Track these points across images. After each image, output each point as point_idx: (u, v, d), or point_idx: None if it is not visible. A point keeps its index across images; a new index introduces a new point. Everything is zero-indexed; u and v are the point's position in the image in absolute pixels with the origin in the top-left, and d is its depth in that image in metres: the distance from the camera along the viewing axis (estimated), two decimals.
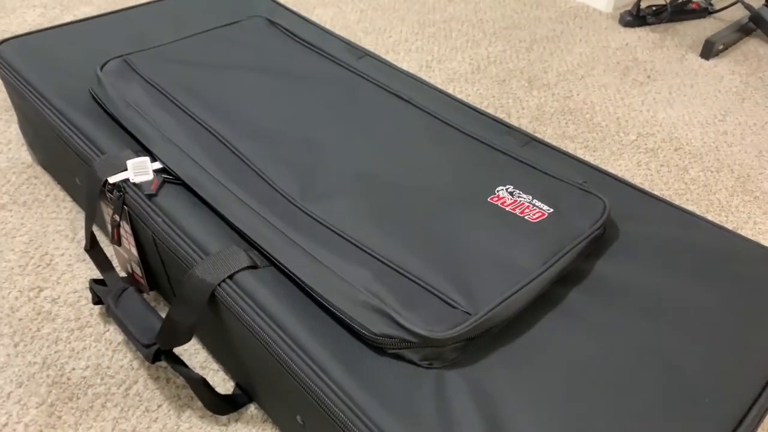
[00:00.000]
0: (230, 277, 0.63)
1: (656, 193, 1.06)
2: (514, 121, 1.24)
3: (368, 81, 0.91)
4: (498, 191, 0.72)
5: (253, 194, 0.69)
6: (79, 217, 0.97)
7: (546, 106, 1.28)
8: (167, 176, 0.74)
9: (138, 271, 0.81)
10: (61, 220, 0.97)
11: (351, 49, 1.01)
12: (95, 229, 0.88)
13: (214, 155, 0.75)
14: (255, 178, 0.72)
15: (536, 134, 1.21)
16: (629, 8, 1.58)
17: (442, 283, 0.59)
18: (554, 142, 1.18)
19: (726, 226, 1.02)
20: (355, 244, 0.63)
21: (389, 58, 1.41)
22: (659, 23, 1.58)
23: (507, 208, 0.69)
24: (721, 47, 1.46)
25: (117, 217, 0.75)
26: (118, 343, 0.80)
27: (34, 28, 1.40)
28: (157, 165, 0.75)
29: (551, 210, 0.69)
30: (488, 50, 1.46)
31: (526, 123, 1.23)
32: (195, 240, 0.67)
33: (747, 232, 1.01)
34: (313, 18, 1.49)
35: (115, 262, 0.85)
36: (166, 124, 0.79)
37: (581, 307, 0.63)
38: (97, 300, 0.81)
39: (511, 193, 0.72)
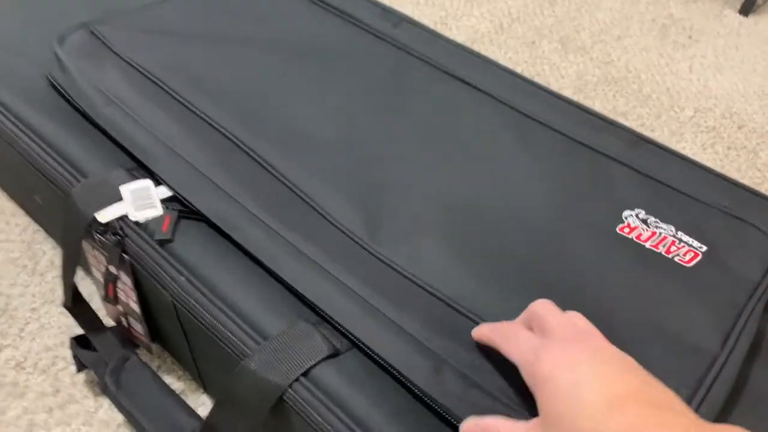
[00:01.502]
0: (305, 373, 0.44)
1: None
2: None
3: (417, 58, 0.71)
4: (627, 218, 0.55)
5: (310, 238, 0.49)
6: (39, 238, 0.74)
7: (587, 74, 1.11)
8: (182, 208, 0.53)
9: (138, 328, 0.59)
10: (13, 243, 0.73)
11: (384, 13, 0.79)
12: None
13: (243, 176, 0.53)
14: (306, 212, 0.52)
15: (584, 110, 1.03)
16: None
17: None
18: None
19: None
20: (461, 313, 0.45)
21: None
22: None
23: (647, 245, 0.52)
24: (760, 2, 1.31)
25: (114, 270, 0.53)
26: (118, 426, 0.60)
27: None
28: (165, 190, 0.54)
29: (705, 248, 0.52)
30: (508, 3, 1.25)
31: (570, 95, 1.05)
32: (241, 313, 0.47)
33: None
34: None
35: (102, 312, 0.63)
36: (166, 128, 0.57)
37: None
38: (81, 367, 0.60)
39: (645, 222, 0.55)
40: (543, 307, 0.40)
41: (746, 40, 1.23)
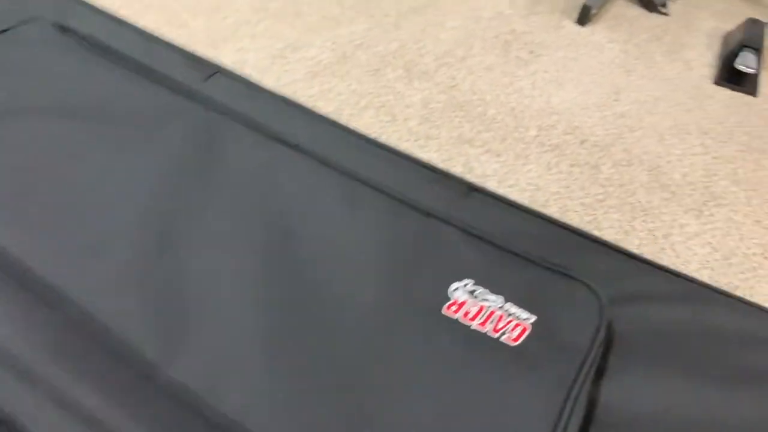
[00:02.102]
0: None
1: (573, 200, 0.93)
2: (401, 125, 1.02)
3: (230, 119, 0.64)
4: (454, 292, 0.51)
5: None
6: None
7: (432, 100, 1.08)
8: None
9: None
10: None
11: (193, 62, 0.71)
12: None
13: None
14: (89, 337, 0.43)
15: (430, 139, 1.01)
16: None
17: None
18: (452, 149, 0.99)
19: (655, 233, 0.92)
20: None
21: (229, 46, 1.10)
22: None
23: (473, 325, 0.49)
24: (594, 11, 1.35)
25: None
26: None
27: None
28: None
29: (534, 318, 0.50)
30: (350, 29, 1.21)
31: (416, 126, 1.02)
32: None
33: (675, 239, 0.91)
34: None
35: None
36: None
37: None
38: None
39: (473, 293, 0.51)
40: None
41: (584, 51, 1.27)
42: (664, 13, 1.43)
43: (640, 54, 1.28)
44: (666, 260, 0.84)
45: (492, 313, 0.49)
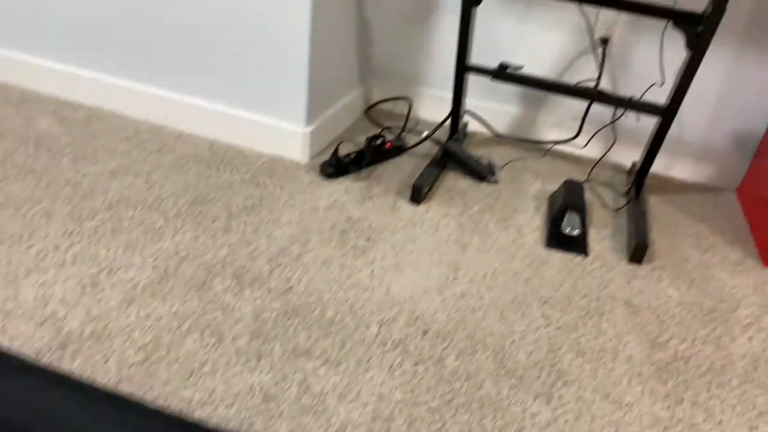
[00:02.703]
0: None
1: (419, 406, 0.86)
2: (229, 347, 0.94)
3: None
4: None
5: None
6: None
7: (265, 309, 1.02)
8: None
9: None
10: None
11: None
12: None
13: None
14: None
15: (261, 358, 0.92)
16: (328, 159, 1.43)
17: None
18: (286, 366, 0.91)
19: (506, 430, 0.86)
20: None
21: (28, 280, 1.00)
22: (361, 169, 1.47)
23: None
24: (427, 190, 1.39)
25: None
26: None
27: None
28: None
29: None
30: (175, 241, 1.14)
31: (246, 344, 0.94)
32: None
33: (528, 431, 0.86)
34: None
35: None
36: None
37: None
38: None
39: None
40: None
41: (420, 230, 1.28)
42: (495, 182, 1.50)
43: (474, 226, 1.31)
44: None
45: None
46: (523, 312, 1.09)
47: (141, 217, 1.20)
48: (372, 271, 1.14)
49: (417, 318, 1.04)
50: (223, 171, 1.39)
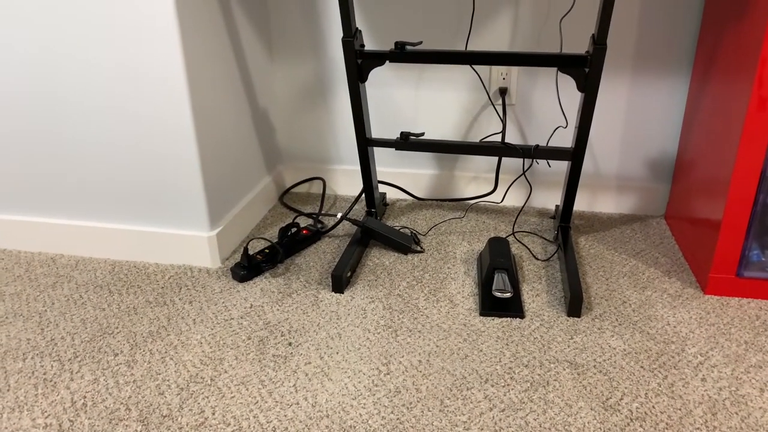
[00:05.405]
0: None
1: None
2: None
3: None
4: None
5: None
6: None
7: None
8: None
9: None
10: None
11: None
12: None
13: None
14: None
15: None
16: (239, 260, 1.34)
17: None
18: None
19: None
20: None
21: None
22: (277, 265, 1.38)
23: None
24: (349, 274, 1.31)
25: None
26: None
27: None
28: None
29: None
30: (71, 389, 1.02)
31: None
32: None
33: None
34: None
35: None
36: None
37: None
38: None
39: None
40: None
41: (346, 321, 1.19)
42: (420, 251, 1.44)
43: (404, 305, 1.23)
44: None
45: None
46: (464, 397, 1.00)
47: (31, 367, 1.07)
48: (296, 383, 1.03)
49: (349, 429, 0.94)
50: (126, 294, 1.27)
